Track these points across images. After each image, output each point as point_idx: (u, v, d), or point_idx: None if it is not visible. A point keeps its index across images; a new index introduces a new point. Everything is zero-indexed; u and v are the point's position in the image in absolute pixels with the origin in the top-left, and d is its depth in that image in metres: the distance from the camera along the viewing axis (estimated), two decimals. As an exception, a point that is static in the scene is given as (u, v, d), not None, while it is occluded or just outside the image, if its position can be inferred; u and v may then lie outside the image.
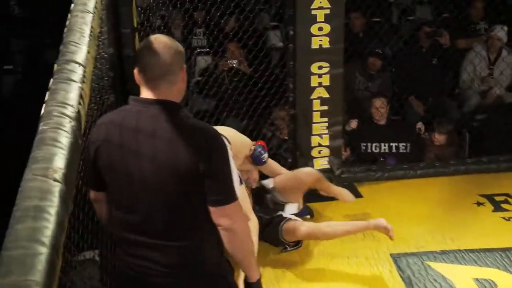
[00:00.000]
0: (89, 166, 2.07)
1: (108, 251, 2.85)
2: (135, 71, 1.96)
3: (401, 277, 3.32)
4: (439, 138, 4.85)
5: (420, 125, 5.04)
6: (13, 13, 7.55)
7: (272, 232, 3.57)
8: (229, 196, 1.96)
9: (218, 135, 1.97)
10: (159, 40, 1.96)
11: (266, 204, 3.78)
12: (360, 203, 4.18)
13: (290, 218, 3.63)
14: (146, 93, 1.95)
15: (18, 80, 6.33)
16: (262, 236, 3.52)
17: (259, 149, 3.57)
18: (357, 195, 4.29)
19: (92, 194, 2.15)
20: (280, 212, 3.70)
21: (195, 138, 1.91)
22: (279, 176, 3.80)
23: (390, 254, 3.55)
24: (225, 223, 1.97)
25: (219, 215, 1.96)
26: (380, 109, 4.95)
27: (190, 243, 1.99)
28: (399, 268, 3.41)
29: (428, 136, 4.98)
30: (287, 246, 3.61)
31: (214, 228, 1.99)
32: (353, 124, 5.00)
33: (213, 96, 4.76)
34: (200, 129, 1.96)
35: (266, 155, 3.58)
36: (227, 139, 3.27)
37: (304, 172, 3.88)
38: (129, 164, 1.94)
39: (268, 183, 3.81)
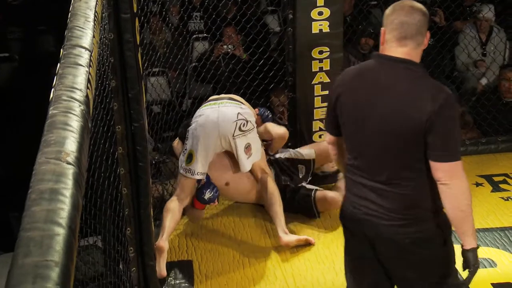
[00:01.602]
0: (329, 112, 2.34)
1: (111, 236, 2.88)
2: (383, 30, 2.18)
3: (402, 257, 3.36)
4: None
5: None
6: (8, 1, 7.51)
7: (302, 202, 3.76)
8: (453, 155, 2.09)
9: (452, 96, 2.12)
10: (411, 3, 2.17)
11: (291, 173, 3.94)
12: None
13: (317, 189, 3.79)
14: (392, 51, 2.15)
15: (15, 67, 6.30)
16: (293, 208, 3.75)
17: (262, 109, 3.84)
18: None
19: (329, 137, 2.41)
20: (303, 183, 3.86)
21: (430, 95, 2.06)
22: (316, 148, 4.00)
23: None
24: (443, 178, 2.09)
25: (439, 170, 2.08)
26: None
27: (409, 192, 2.15)
28: (399, 249, 3.44)
29: None
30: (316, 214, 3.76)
31: (434, 183, 2.12)
32: None
33: (211, 80, 4.75)
34: (436, 87, 2.12)
35: (268, 111, 3.86)
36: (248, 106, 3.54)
37: None
38: (364, 112, 2.17)
39: (310, 153, 3.98)
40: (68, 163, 1.26)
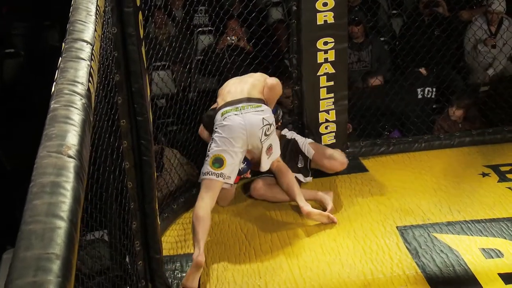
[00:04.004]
0: None
1: (117, 230, 2.89)
2: None
3: (408, 249, 3.36)
4: (457, 113, 4.84)
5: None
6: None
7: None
8: None
9: None
10: None
11: (291, 155, 4.07)
12: (365, 177, 4.21)
13: (268, 175, 3.91)
14: None
15: (21, 63, 6.32)
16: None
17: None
18: (363, 169, 4.32)
19: None
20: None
21: None
22: (316, 149, 4.11)
23: (397, 227, 3.58)
24: None
25: None
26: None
27: None
28: (405, 240, 3.44)
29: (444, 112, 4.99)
30: None
31: None
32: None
33: (216, 73, 4.75)
34: None
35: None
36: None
37: (342, 162, 4.12)
38: None
39: (309, 152, 4.09)
40: (70, 156, 1.26)
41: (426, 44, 5.00)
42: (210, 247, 3.51)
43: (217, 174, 3.42)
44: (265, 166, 3.63)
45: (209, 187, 3.43)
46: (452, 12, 5.41)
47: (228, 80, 3.80)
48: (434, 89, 5.20)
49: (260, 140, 3.48)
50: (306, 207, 3.61)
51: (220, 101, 3.62)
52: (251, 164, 3.69)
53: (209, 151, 3.48)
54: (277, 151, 3.66)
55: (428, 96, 5.23)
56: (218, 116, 3.52)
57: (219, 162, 3.42)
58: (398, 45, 5.26)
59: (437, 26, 5.15)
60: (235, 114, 3.46)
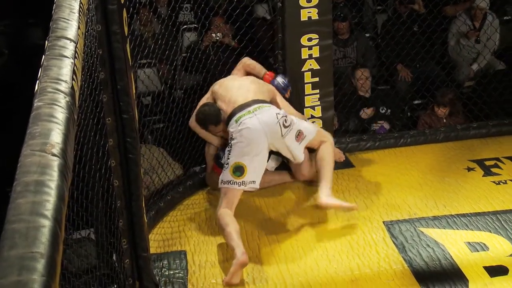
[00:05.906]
0: None
1: (104, 228, 2.88)
2: None
3: (395, 243, 3.37)
4: (443, 109, 4.87)
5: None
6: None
7: None
8: None
9: None
10: None
11: None
12: (352, 173, 4.22)
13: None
14: None
15: (5, 62, 6.25)
16: None
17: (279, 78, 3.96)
18: (349, 165, 4.33)
19: None
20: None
21: None
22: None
23: (383, 222, 3.59)
24: None
25: None
26: (360, 80, 5.02)
27: None
28: (392, 235, 3.46)
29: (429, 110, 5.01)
30: None
31: None
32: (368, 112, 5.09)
33: (201, 70, 4.74)
34: None
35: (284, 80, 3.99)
36: None
37: (302, 175, 4.01)
38: None
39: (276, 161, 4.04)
40: (54, 154, 1.26)
41: (409, 40, 5.02)
42: (197, 245, 3.51)
43: (239, 183, 3.41)
44: (299, 155, 3.57)
45: (230, 195, 3.44)
46: (435, 8, 5.43)
47: (224, 81, 3.78)
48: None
49: (282, 134, 3.45)
50: (324, 198, 3.50)
51: (224, 107, 3.61)
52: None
53: (228, 158, 3.44)
54: (308, 130, 3.58)
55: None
56: (233, 123, 3.49)
57: (239, 170, 3.40)
58: (381, 41, 5.28)
59: (412, 22, 5.18)
60: (250, 117, 3.44)
